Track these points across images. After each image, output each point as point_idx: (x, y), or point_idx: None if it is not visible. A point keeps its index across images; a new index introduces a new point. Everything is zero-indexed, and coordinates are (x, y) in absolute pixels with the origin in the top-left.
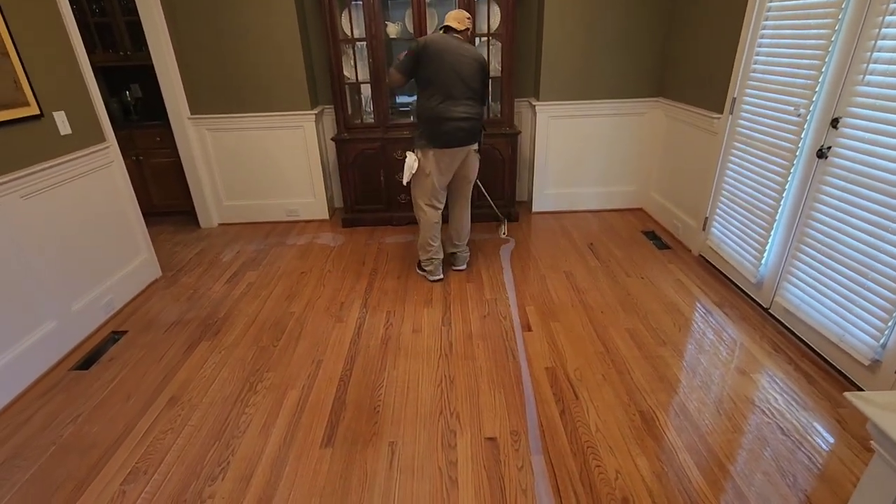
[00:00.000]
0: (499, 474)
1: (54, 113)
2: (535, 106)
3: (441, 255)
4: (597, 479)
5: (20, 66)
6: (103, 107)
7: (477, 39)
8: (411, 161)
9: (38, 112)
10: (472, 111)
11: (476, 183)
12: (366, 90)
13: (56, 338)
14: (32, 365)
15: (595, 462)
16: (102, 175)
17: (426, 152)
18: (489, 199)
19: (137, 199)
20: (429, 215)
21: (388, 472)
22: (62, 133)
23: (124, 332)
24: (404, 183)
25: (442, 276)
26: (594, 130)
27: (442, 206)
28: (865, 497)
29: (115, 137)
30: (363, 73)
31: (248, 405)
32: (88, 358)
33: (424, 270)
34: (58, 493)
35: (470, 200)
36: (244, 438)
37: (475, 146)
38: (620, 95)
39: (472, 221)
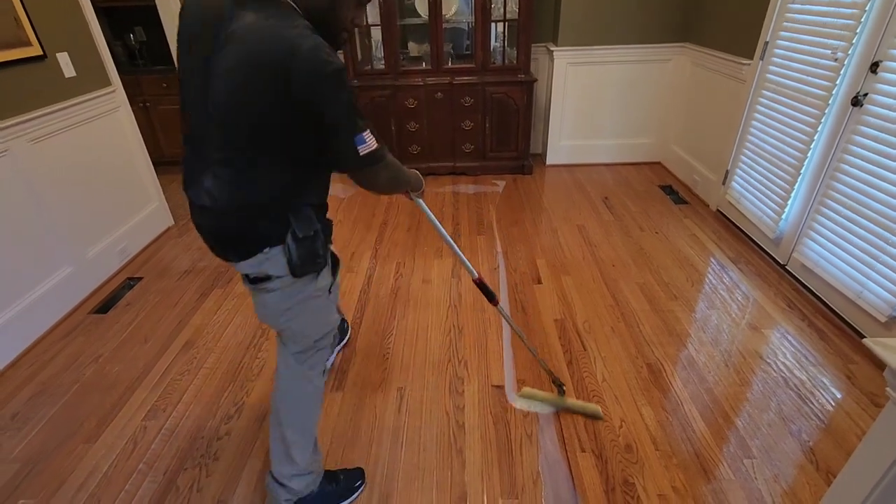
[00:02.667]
0: (504, 420)
1: (57, 54)
2: (552, 51)
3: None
4: (601, 426)
5: (20, 3)
6: (107, 49)
7: None
8: None
9: (41, 52)
10: (222, 192)
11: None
12: (376, 34)
13: (73, 283)
14: (52, 308)
15: (601, 410)
16: (109, 120)
17: None
18: (540, 361)
19: (146, 146)
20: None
21: (396, 415)
22: (66, 75)
23: (139, 279)
24: None
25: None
26: (615, 78)
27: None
28: (874, 445)
29: (120, 82)
30: (373, 16)
31: (261, 350)
32: (106, 302)
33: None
34: (83, 427)
35: (280, 373)
36: (258, 381)
37: (241, 266)
38: (644, 41)
39: (488, 173)
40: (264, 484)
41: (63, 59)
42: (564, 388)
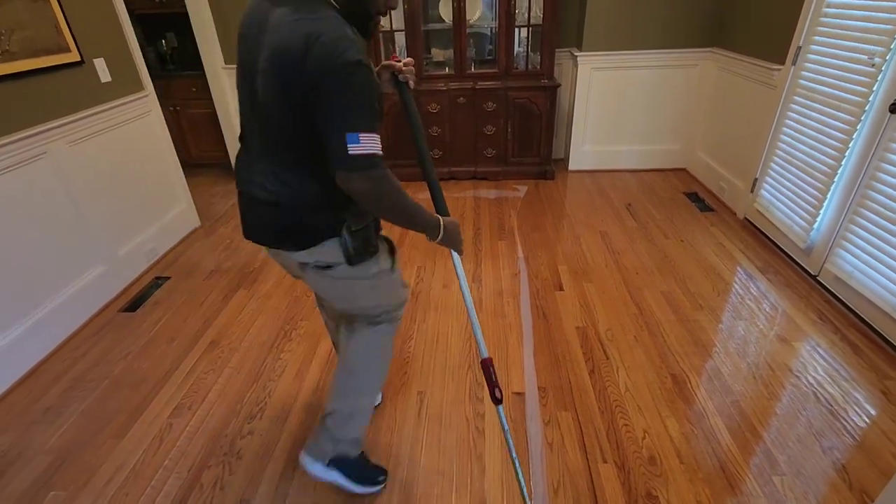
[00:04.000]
0: (525, 427)
1: (94, 60)
2: (576, 56)
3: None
4: (624, 437)
5: (60, 12)
6: (141, 55)
7: None
8: None
9: (79, 58)
10: (274, 187)
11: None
12: (400, 39)
13: (105, 281)
14: (85, 305)
15: (623, 421)
16: (142, 124)
17: None
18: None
19: (175, 149)
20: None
21: (416, 419)
22: (103, 80)
23: (167, 278)
24: None
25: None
26: (639, 83)
27: (327, 319)
28: None
29: (152, 86)
30: (397, 21)
31: (284, 351)
32: (135, 301)
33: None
34: (112, 422)
35: (353, 338)
36: (280, 382)
37: (306, 257)
38: (670, 45)
39: (509, 178)
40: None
41: (100, 64)
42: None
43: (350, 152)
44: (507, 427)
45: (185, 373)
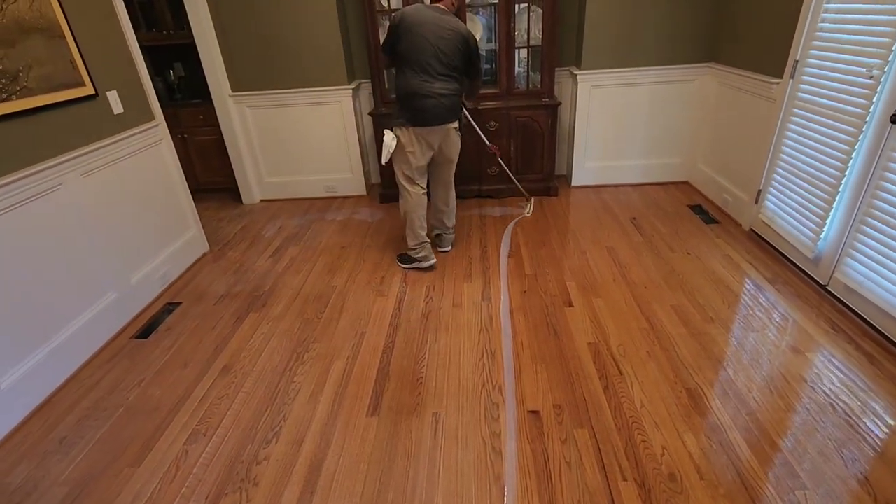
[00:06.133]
0: (542, 447)
1: (108, 92)
2: (576, 75)
3: (428, 240)
4: (643, 454)
5: (75, 48)
6: (151, 86)
7: (516, 6)
8: (389, 140)
9: (93, 92)
10: (450, 87)
11: (499, 161)
12: None
13: (117, 308)
14: (98, 333)
15: (640, 437)
16: (153, 153)
17: (404, 130)
18: (511, 175)
19: (184, 175)
20: (414, 197)
21: (432, 441)
22: (115, 112)
23: (178, 304)
24: (383, 163)
25: (435, 260)
26: (639, 100)
27: (425, 188)
28: None
29: (162, 116)
30: None
31: (297, 374)
32: (147, 327)
33: (415, 259)
34: (128, 451)
35: (453, 182)
36: (294, 405)
37: (455, 124)
38: (668, 62)
39: (514, 195)
40: None
41: (112, 96)
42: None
43: (481, 75)
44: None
45: (199, 399)
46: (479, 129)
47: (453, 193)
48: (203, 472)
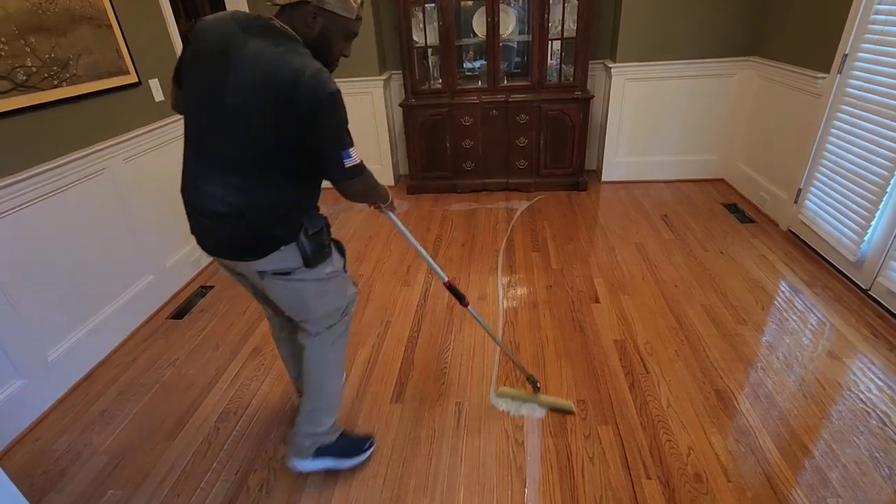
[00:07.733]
0: (566, 441)
1: (150, 80)
2: (610, 68)
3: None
4: (667, 453)
5: (121, 37)
6: None
7: None
8: None
9: (136, 80)
10: (237, 199)
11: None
12: (433, 55)
13: (154, 290)
14: (136, 313)
15: (666, 437)
16: None
17: None
18: (512, 358)
19: None
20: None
21: (455, 430)
22: (157, 99)
23: (211, 287)
24: None
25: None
26: (675, 94)
27: (275, 318)
28: None
29: None
30: (432, 37)
31: None
32: (181, 309)
33: (357, 441)
34: (164, 425)
35: (322, 355)
36: None
37: (272, 265)
38: (707, 55)
39: (541, 189)
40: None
41: (154, 84)
42: (539, 384)
43: (347, 166)
44: (480, 318)
45: (230, 379)
46: (435, 267)
47: (319, 378)
48: (233, 449)
